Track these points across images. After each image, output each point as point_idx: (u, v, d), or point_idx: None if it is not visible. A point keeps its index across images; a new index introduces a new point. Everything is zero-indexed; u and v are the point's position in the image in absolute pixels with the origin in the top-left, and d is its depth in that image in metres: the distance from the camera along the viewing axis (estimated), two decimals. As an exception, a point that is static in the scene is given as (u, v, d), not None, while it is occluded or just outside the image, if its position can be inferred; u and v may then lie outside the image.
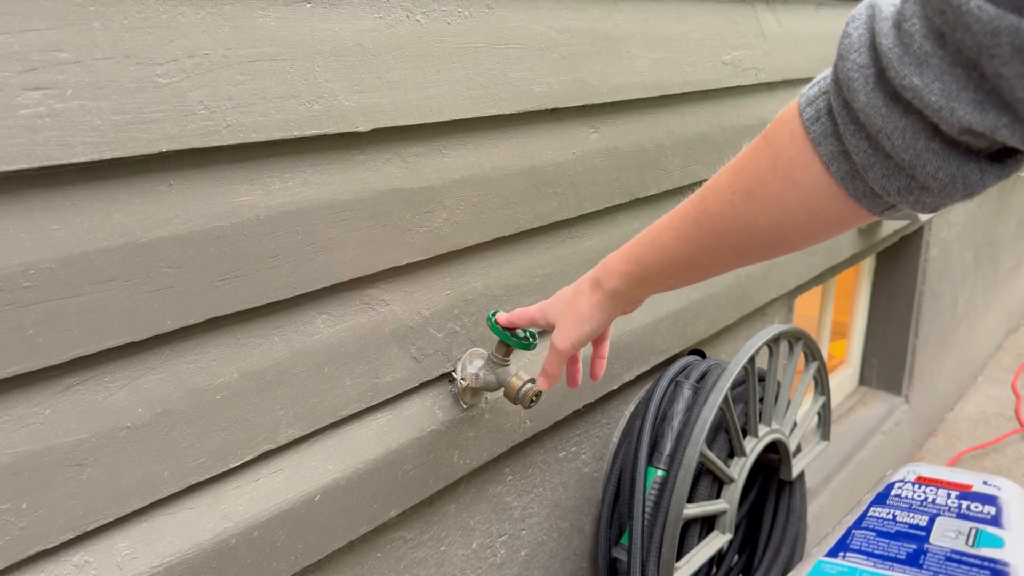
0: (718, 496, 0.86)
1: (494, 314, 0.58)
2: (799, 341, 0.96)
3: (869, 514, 0.44)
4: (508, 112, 0.62)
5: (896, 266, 1.71)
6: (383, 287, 0.58)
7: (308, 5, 0.49)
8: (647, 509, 0.79)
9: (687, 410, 0.83)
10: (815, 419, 1.06)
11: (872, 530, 0.43)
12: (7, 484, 0.40)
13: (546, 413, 0.74)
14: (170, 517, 0.47)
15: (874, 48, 0.33)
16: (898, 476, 0.48)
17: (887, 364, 1.78)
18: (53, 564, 0.43)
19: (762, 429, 0.91)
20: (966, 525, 0.42)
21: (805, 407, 1.11)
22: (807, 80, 1.05)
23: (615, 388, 0.83)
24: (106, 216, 0.42)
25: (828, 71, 0.37)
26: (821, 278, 1.30)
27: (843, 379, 1.76)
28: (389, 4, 0.54)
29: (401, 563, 0.65)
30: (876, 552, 0.40)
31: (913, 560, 0.39)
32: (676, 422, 0.82)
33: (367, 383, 0.57)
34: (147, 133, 0.42)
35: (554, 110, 0.67)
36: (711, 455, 0.82)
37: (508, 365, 0.61)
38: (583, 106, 0.70)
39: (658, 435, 0.83)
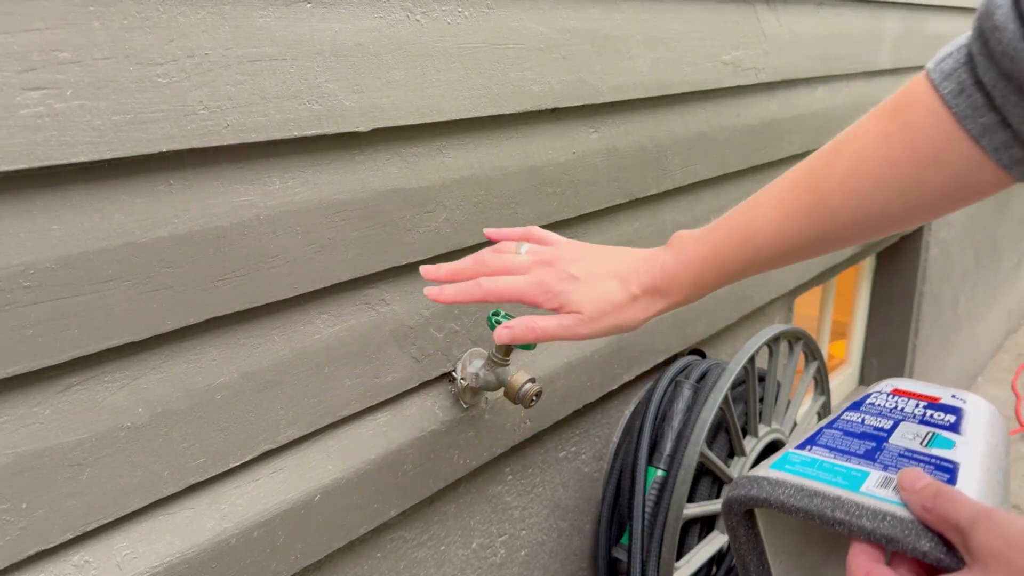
0: (718, 496, 0.86)
1: (494, 314, 0.58)
2: (799, 341, 0.96)
3: (842, 417, 0.46)
4: (508, 112, 0.62)
5: (896, 266, 1.71)
6: (383, 287, 0.58)
7: (308, 5, 0.49)
8: (647, 509, 0.79)
9: (687, 410, 0.83)
10: (815, 419, 1.06)
11: (840, 430, 0.45)
12: (7, 484, 0.40)
13: (546, 413, 0.74)
14: (170, 517, 0.47)
15: None
16: (876, 388, 0.50)
17: (887, 364, 1.78)
18: (53, 564, 0.43)
19: (762, 429, 0.91)
20: (925, 429, 0.44)
21: (805, 407, 1.11)
22: (808, 80, 1.05)
23: (615, 388, 0.83)
24: (106, 216, 0.42)
25: (956, 43, 0.35)
26: (821, 278, 1.30)
27: (843, 379, 1.76)
28: (389, 4, 0.53)
29: (401, 563, 0.65)
30: (839, 447, 0.43)
31: (870, 455, 0.42)
32: (676, 422, 0.82)
33: (367, 383, 0.57)
34: (147, 133, 0.42)
35: (554, 110, 0.67)
36: (711, 455, 0.82)
37: (508, 365, 0.61)
38: (583, 106, 0.70)
39: (658, 435, 0.83)
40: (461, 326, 0.64)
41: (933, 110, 0.35)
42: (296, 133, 0.49)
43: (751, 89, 0.94)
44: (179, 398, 0.46)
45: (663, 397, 0.84)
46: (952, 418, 0.44)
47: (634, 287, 0.46)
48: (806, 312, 1.55)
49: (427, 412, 0.62)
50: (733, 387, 0.87)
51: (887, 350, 1.77)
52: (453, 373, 0.63)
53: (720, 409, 0.81)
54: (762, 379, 0.92)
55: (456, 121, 0.59)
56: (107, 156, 0.41)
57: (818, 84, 1.08)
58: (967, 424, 0.43)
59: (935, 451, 0.41)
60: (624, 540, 0.84)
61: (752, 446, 0.89)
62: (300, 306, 0.52)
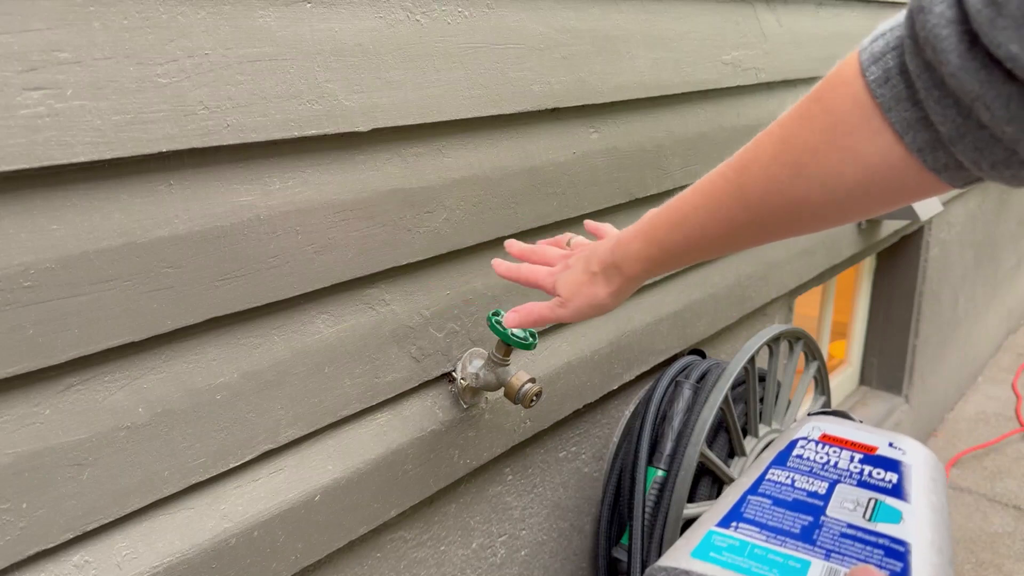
0: (718, 496, 0.86)
1: (494, 314, 0.58)
2: (799, 341, 0.96)
3: (767, 477, 0.40)
4: (508, 112, 0.62)
5: (896, 266, 1.71)
6: (383, 287, 0.58)
7: (308, 5, 0.49)
8: (647, 509, 0.79)
9: (687, 410, 0.83)
10: (815, 419, 1.06)
11: (769, 497, 0.39)
12: (7, 484, 0.40)
13: (546, 413, 0.74)
14: (170, 517, 0.47)
15: (961, 3, 0.26)
16: (802, 432, 0.43)
17: (887, 364, 1.78)
18: (53, 564, 0.43)
19: (762, 429, 0.91)
20: (866, 495, 0.38)
21: (805, 407, 1.11)
22: (808, 80, 1.05)
23: (615, 388, 0.83)
24: (106, 216, 0.42)
25: (893, 22, 0.30)
26: (821, 278, 1.30)
27: (843, 379, 1.76)
28: (389, 4, 0.53)
29: (401, 563, 0.65)
30: (770, 524, 0.37)
31: (807, 535, 0.36)
32: (676, 422, 0.82)
33: (367, 383, 0.57)
34: (147, 133, 0.42)
35: (554, 110, 0.67)
36: (711, 455, 0.82)
37: (508, 365, 0.61)
38: (583, 106, 0.70)
39: (658, 435, 0.82)
40: (461, 326, 0.64)
41: (857, 96, 0.31)
42: (296, 133, 0.48)
43: (751, 89, 0.94)
44: (179, 398, 0.46)
45: (663, 397, 0.84)
46: (893, 477, 0.39)
47: (594, 265, 0.48)
48: (806, 312, 1.55)
49: (427, 412, 0.62)
50: (733, 387, 0.87)
51: (887, 350, 1.77)
52: (453, 373, 0.63)
53: (720, 409, 0.81)
54: (762, 379, 0.92)
55: (456, 121, 0.59)
56: (107, 156, 0.41)
57: (818, 84, 1.08)
58: (910, 484, 0.38)
59: (881, 527, 0.36)
60: (624, 540, 0.84)
61: (752, 446, 0.89)
62: (300, 306, 0.52)
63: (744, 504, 0.38)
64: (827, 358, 1.67)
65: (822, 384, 1.03)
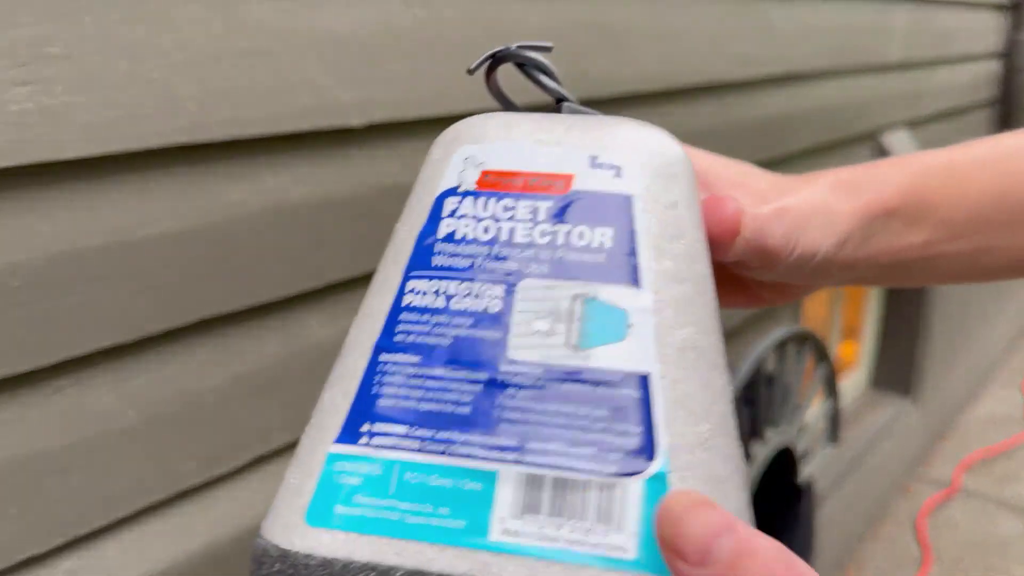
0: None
1: None
2: (808, 343, 0.94)
3: (405, 302, 0.20)
4: (509, 108, 0.61)
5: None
6: (381, 287, 0.56)
7: (303, -2, 0.48)
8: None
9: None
10: (824, 422, 1.04)
11: (413, 348, 0.19)
12: (-7, 489, 0.40)
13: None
14: (161, 523, 0.46)
15: None
16: (449, 174, 0.21)
17: (897, 366, 1.76)
18: (43, 570, 0.42)
19: (770, 433, 0.89)
20: (567, 292, 0.19)
21: (814, 410, 1.09)
22: (815, 73, 1.04)
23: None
24: (95, 214, 0.41)
25: None
26: (830, 278, 1.28)
27: (852, 382, 1.74)
28: (387, -3, 0.52)
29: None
30: (422, 408, 0.19)
31: (483, 415, 0.19)
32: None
33: (365, 385, 0.56)
34: (137, 129, 0.41)
35: (558, 102, 0.66)
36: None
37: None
38: (588, 100, 0.69)
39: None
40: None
41: None
42: (289, 128, 0.47)
43: (759, 83, 0.93)
44: (169, 401, 0.45)
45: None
46: (607, 235, 0.20)
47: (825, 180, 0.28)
48: (815, 313, 1.53)
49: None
50: (741, 390, 0.85)
51: (897, 352, 1.75)
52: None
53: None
54: (770, 382, 0.91)
55: (454, 115, 0.58)
56: (96, 152, 0.40)
57: (827, 78, 1.07)
58: (639, 240, 0.19)
59: (599, 357, 0.18)
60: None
61: (760, 450, 0.87)
62: (294, 307, 0.51)
63: (375, 378, 0.19)
64: (836, 360, 1.65)
65: (831, 386, 1.01)
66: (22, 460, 0.40)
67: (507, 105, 0.25)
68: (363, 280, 0.55)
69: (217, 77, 0.44)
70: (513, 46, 0.23)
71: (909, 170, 0.28)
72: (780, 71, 0.95)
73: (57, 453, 0.41)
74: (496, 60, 0.23)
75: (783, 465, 0.97)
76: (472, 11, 0.58)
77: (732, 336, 1.02)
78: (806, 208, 0.25)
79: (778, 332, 0.87)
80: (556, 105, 0.24)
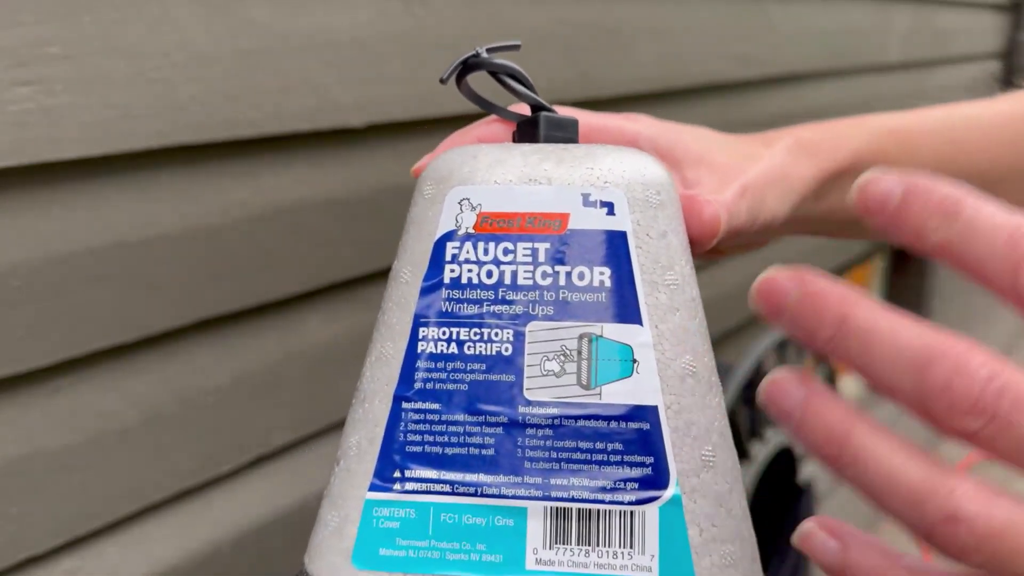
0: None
1: None
2: (808, 342, 0.94)
3: (420, 349, 0.21)
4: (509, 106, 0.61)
5: (908, 265, 1.69)
6: (381, 287, 0.56)
7: (303, -2, 0.48)
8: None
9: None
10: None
11: (432, 395, 0.21)
12: (-6, 489, 0.40)
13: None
14: (162, 523, 0.46)
15: None
16: (444, 218, 0.22)
17: (897, 365, 1.76)
18: (43, 570, 0.42)
19: (770, 432, 0.89)
20: (572, 332, 0.20)
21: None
22: (815, 73, 1.04)
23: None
24: (95, 214, 0.41)
25: None
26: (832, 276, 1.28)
27: (852, 381, 1.74)
28: (386, -3, 0.52)
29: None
30: (449, 453, 0.20)
31: (508, 457, 0.20)
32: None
33: (365, 385, 0.56)
34: (137, 129, 0.41)
35: (533, 111, 0.66)
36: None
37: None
38: (586, 100, 0.69)
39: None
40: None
41: None
42: (290, 128, 0.48)
43: (759, 83, 0.93)
44: (170, 401, 0.45)
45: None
46: (604, 274, 0.20)
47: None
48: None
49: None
50: (741, 390, 0.85)
51: (897, 351, 1.75)
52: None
53: (731, 411, 0.79)
54: (770, 380, 0.91)
55: (455, 116, 0.58)
56: (97, 152, 0.40)
57: (827, 78, 1.07)
58: (636, 279, 0.20)
59: (609, 394, 0.20)
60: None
61: (759, 451, 0.87)
62: (295, 306, 0.51)
63: (400, 425, 0.20)
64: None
65: (832, 386, 1.01)
66: (22, 460, 0.40)
67: (486, 107, 0.26)
68: (363, 280, 0.55)
69: (217, 77, 0.44)
70: (482, 49, 0.24)
71: (866, 131, 0.30)
72: (780, 71, 0.95)
73: (57, 453, 0.41)
74: (467, 67, 0.24)
75: (783, 465, 0.97)
76: (472, 11, 0.58)
77: (732, 336, 1.02)
78: (764, 181, 0.27)
79: (778, 332, 0.87)
80: (532, 114, 0.25)
